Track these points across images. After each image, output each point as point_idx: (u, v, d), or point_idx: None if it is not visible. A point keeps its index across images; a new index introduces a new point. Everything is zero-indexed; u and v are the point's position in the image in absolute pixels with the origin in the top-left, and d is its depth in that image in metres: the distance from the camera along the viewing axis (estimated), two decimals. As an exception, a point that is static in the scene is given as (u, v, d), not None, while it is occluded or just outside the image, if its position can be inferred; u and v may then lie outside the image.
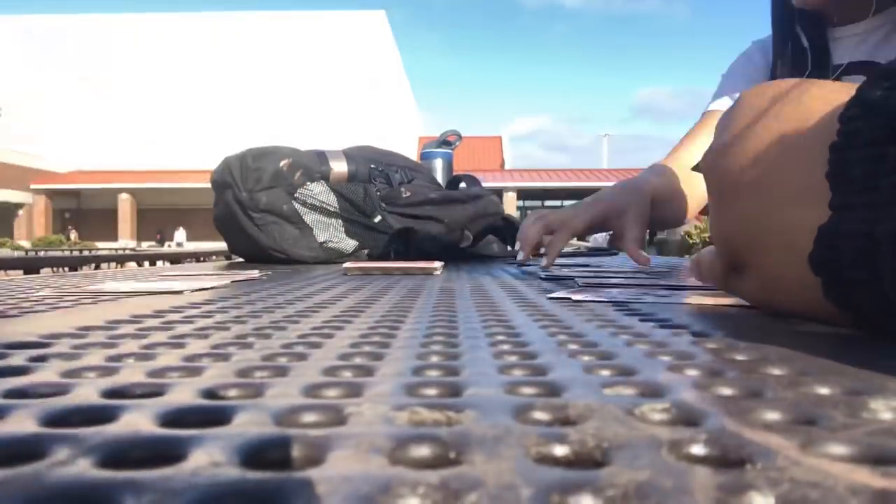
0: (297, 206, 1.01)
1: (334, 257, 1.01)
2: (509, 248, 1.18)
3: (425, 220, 1.04)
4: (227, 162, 1.04)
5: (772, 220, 0.28)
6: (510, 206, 21.40)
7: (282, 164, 1.02)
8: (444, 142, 1.38)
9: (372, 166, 1.09)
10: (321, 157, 1.07)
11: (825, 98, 0.27)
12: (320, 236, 1.01)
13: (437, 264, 0.68)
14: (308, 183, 1.02)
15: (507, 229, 1.18)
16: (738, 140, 0.30)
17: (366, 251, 1.03)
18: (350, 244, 1.02)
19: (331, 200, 1.02)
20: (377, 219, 1.02)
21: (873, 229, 0.22)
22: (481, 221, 1.09)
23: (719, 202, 0.31)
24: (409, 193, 1.05)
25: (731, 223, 0.31)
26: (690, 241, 5.38)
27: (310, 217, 1.01)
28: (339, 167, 1.06)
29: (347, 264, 0.71)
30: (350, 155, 1.09)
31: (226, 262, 1.30)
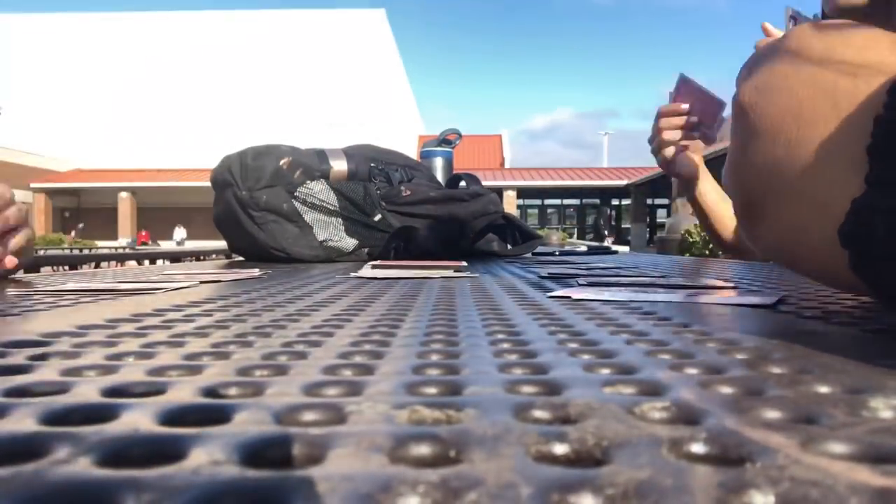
0: (297, 204, 1.01)
1: (334, 256, 1.01)
2: (509, 246, 1.18)
3: (425, 218, 1.04)
4: (226, 160, 1.04)
5: (803, 177, 0.27)
6: (510, 204, 21.40)
7: (282, 162, 1.02)
8: (444, 140, 1.38)
9: (372, 165, 1.08)
10: (321, 155, 1.07)
11: (880, 63, 0.25)
12: (320, 235, 1.01)
13: (463, 263, 0.69)
14: (308, 181, 1.02)
15: (507, 227, 1.18)
16: (782, 83, 0.28)
17: (365, 250, 1.03)
18: (350, 243, 1.02)
19: (331, 199, 1.02)
20: (377, 217, 1.02)
21: None
22: (482, 220, 1.09)
23: (749, 141, 0.29)
24: (409, 192, 1.05)
25: (757, 165, 0.29)
26: (691, 240, 5.39)
27: (310, 216, 1.01)
28: (339, 166, 1.06)
29: (372, 263, 0.70)
30: (350, 154, 1.09)
31: (226, 261, 1.30)
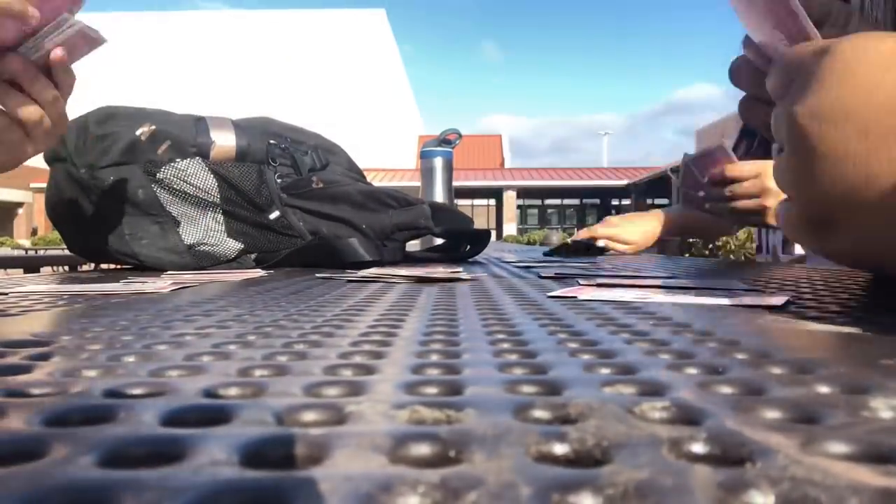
0: (158, 191, 0.75)
1: (207, 264, 0.78)
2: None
3: (338, 222, 0.81)
4: None
5: (880, 191, 0.26)
6: (510, 205, 21.40)
7: (139, 131, 0.75)
8: (444, 140, 1.38)
9: (271, 143, 0.82)
10: (200, 125, 0.80)
11: None
12: (190, 236, 0.76)
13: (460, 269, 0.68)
14: (178, 160, 0.76)
15: (450, 238, 0.98)
16: (843, 105, 0.27)
17: (253, 256, 0.80)
18: (232, 248, 0.78)
19: (209, 185, 0.76)
20: (274, 214, 0.79)
21: None
22: (407, 234, 0.85)
23: (812, 162, 0.29)
24: (321, 184, 0.82)
25: (825, 185, 0.29)
26: (690, 241, 5.44)
27: (177, 208, 0.76)
28: (225, 140, 0.79)
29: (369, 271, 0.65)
30: (242, 126, 0.83)
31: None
